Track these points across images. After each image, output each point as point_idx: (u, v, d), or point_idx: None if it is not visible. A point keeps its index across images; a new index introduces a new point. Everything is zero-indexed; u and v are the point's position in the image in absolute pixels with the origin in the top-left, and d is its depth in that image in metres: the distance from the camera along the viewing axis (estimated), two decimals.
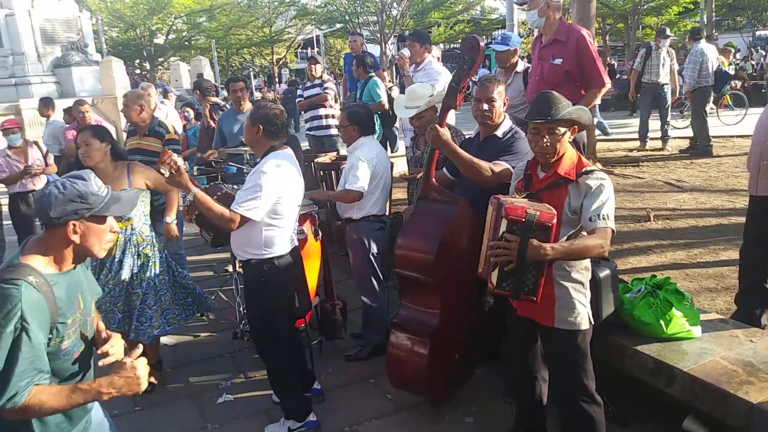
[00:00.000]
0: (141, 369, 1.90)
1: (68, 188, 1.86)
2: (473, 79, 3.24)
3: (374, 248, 4.03)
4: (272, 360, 3.36)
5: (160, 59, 32.49)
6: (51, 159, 6.37)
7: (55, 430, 1.93)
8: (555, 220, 2.28)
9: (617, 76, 17.95)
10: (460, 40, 4.12)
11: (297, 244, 3.42)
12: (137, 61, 33.39)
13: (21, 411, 1.75)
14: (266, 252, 3.16)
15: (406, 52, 6.26)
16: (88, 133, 3.72)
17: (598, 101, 4.58)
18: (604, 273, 2.91)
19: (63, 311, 1.87)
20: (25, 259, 1.85)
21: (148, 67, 32.31)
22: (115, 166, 3.75)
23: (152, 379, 3.83)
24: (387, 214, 4.36)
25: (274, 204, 3.09)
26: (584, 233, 2.47)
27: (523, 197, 2.51)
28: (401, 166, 7.14)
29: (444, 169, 3.64)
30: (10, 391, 1.73)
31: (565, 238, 2.41)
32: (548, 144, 2.47)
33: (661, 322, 3.07)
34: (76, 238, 1.88)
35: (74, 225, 1.86)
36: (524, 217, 2.24)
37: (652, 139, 9.44)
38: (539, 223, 2.25)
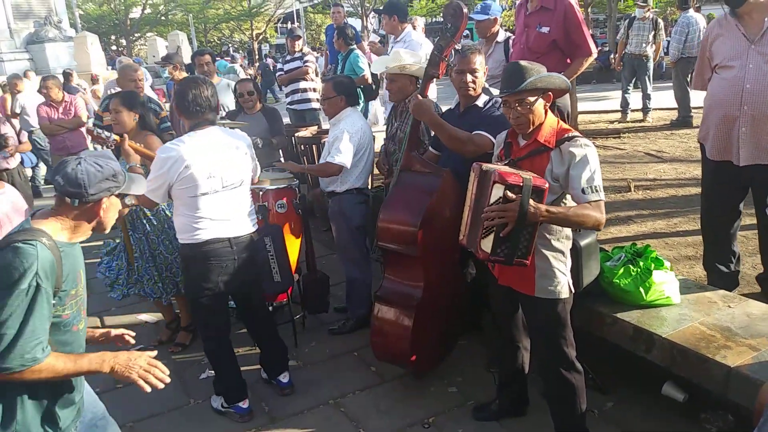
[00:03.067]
0: (148, 363, 2.02)
1: (105, 167, 1.94)
2: (456, 47, 3.19)
3: (357, 221, 4.00)
4: (203, 338, 3.35)
5: (136, 34, 31.82)
6: (24, 137, 6.24)
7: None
8: (547, 185, 2.30)
9: (598, 48, 17.88)
10: (442, 12, 4.03)
11: (250, 231, 3.20)
12: (113, 36, 32.67)
13: (29, 373, 1.79)
14: (183, 238, 3.08)
15: (374, 37, 6.18)
16: (117, 101, 3.65)
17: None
18: (585, 241, 2.92)
19: (67, 280, 1.91)
20: (37, 224, 1.89)
21: (125, 43, 31.65)
22: (141, 137, 3.63)
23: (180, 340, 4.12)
24: (369, 187, 4.34)
25: (174, 188, 2.94)
26: (566, 201, 2.47)
27: (504, 165, 2.50)
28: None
29: (430, 147, 3.61)
30: (19, 350, 1.75)
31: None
32: (520, 114, 2.45)
33: (641, 289, 3.09)
34: (102, 214, 1.98)
35: (104, 201, 1.96)
36: (521, 182, 2.25)
37: (633, 110, 9.46)
38: (535, 187, 2.26)
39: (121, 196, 2.07)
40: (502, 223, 2.27)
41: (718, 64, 3.42)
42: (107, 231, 2.08)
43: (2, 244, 1.81)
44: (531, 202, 2.25)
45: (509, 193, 2.25)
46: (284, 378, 3.51)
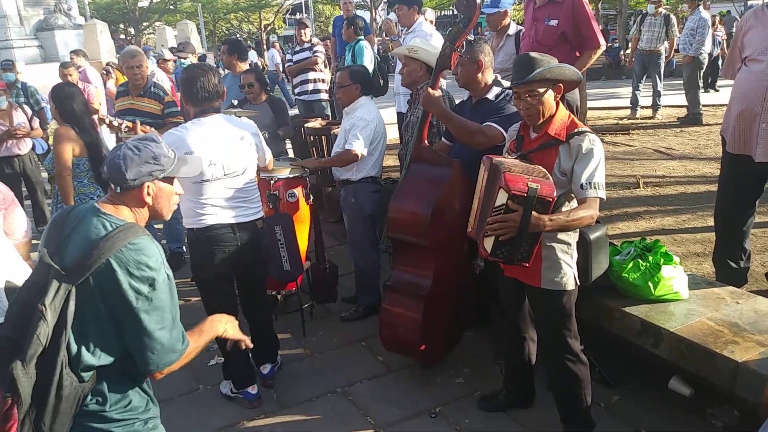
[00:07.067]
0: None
1: (143, 150, 1.85)
2: (469, 38, 3.19)
3: (370, 210, 4.02)
4: None
5: (145, 23, 31.84)
6: (36, 123, 6.26)
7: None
8: (555, 194, 2.27)
9: (608, 44, 17.79)
10: (453, 5, 4.03)
11: (253, 218, 3.21)
12: (122, 25, 32.70)
13: (180, 362, 1.81)
14: (187, 222, 3.13)
15: (392, 16, 6.16)
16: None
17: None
18: (595, 235, 2.92)
19: None
20: (117, 214, 1.83)
21: (133, 32, 31.66)
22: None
23: None
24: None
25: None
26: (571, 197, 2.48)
27: (515, 158, 2.51)
28: (391, 133, 7.09)
29: (443, 138, 3.62)
30: (173, 342, 1.77)
31: (563, 208, 2.44)
32: (530, 105, 2.45)
33: (650, 284, 3.10)
34: (149, 200, 1.88)
35: (148, 186, 1.86)
36: (526, 192, 2.23)
37: (642, 107, 9.44)
38: (540, 197, 2.24)
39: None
40: (505, 232, 2.29)
41: (748, 57, 3.39)
42: (167, 218, 2.02)
43: (115, 245, 1.70)
44: (534, 213, 2.25)
45: (511, 203, 2.25)
46: (265, 369, 3.51)
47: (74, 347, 1.67)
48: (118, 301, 1.68)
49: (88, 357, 1.69)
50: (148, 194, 1.86)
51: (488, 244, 2.34)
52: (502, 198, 2.26)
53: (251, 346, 2.18)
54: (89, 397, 1.73)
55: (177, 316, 1.81)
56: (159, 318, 1.73)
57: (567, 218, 2.36)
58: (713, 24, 12.45)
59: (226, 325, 2.07)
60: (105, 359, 1.72)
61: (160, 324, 1.73)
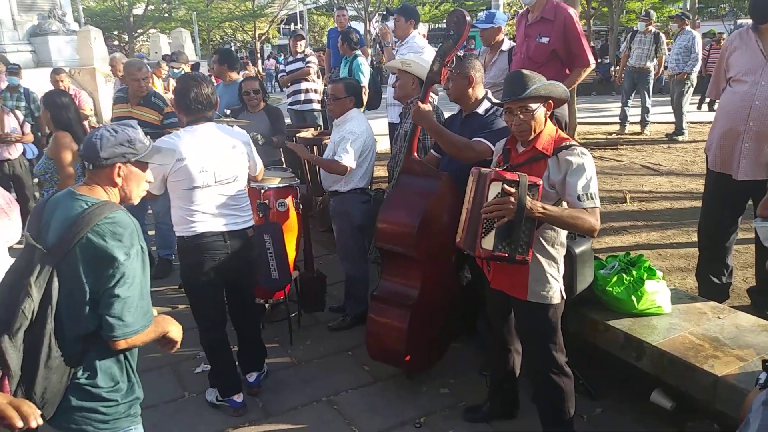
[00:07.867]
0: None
1: (119, 133, 1.95)
2: (459, 54, 3.25)
3: (359, 220, 4.05)
4: (201, 330, 3.37)
5: (139, 30, 31.84)
6: (27, 128, 6.27)
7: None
8: (541, 182, 2.36)
9: (599, 60, 17.99)
10: (446, 19, 4.12)
11: (244, 226, 3.24)
12: (115, 32, 32.68)
13: (144, 335, 1.89)
14: (178, 231, 3.16)
15: (390, 24, 6.22)
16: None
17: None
18: (580, 249, 2.97)
19: None
20: (93, 194, 1.93)
21: (127, 39, 31.65)
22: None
23: None
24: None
25: (169, 181, 3.03)
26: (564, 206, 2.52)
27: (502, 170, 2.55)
28: (383, 144, 7.14)
29: (432, 150, 3.66)
30: (141, 311, 1.84)
31: None
32: (522, 122, 2.50)
33: (633, 298, 3.15)
34: (119, 180, 1.97)
35: (119, 167, 1.95)
36: (518, 177, 2.31)
37: (631, 123, 9.54)
38: (530, 183, 2.32)
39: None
40: (501, 217, 2.31)
41: (733, 77, 3.46)
42: (135, 202, 2.08)
43: (92, 219, 1.80)
44: (529, 198, 2.30)
45: (507, 188, 2.30)
46: (251, 377, 3.52)
47: (61, 319, 1.78)
48: (96, 269, 1.78)
49: (74, 328, 1.80)
50: (119, 175, 1.96)
51: (488, 241, 2.36)
52: (495, 189, 2.33)
53: (172, 350, 2.16)
54: (81, 371, 1.83)
55: (146, 289, 1.89)
56: (129, 286, 1.81)
57: (563, 212, 2.38)
58: (718, 41, 12.74)
59: (173, 327, 2.10)
60: (88, 328, 1.81)
61: (129, 292, 1.81)
